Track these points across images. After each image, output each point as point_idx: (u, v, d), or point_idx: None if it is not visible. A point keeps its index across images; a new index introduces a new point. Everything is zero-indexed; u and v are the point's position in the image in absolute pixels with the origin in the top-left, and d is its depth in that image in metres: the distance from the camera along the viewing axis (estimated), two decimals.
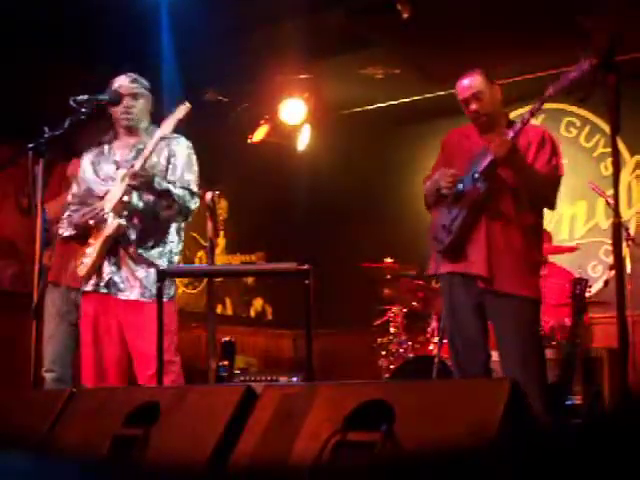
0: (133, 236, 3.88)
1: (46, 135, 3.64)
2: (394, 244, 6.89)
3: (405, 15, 5.51)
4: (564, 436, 1.72)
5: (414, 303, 5.96)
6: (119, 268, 3.87)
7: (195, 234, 7.08)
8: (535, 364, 3.80)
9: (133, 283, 3.85)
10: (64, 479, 2.09)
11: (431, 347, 5.63)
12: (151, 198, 3.88)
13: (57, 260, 4.73)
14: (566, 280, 5.55)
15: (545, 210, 4.06)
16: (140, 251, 3.87)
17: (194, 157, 4.04)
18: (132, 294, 3.85)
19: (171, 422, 2.29)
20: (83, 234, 3.94)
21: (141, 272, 3.86)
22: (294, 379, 5.72)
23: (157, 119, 3.99)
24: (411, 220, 6.74)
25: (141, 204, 3.90)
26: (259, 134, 7.37)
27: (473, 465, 1.71)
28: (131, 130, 4.02)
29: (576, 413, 4.99)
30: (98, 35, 5.44)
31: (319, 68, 6.69)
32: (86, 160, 4.09)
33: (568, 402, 5.06)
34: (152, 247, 3.90)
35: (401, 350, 5.86)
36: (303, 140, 7.41)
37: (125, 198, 3.82)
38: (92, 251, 3.86)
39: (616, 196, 3.13)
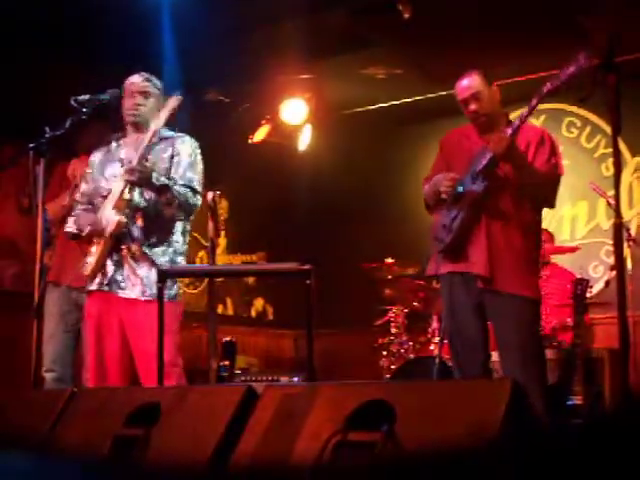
0: (136, 234, 3.88)
1: (47, 135, 3.64)
2: (395, 244, 6.88)
3: (406, 15, 5.51)
4: (565, 437, 1.72)
5: (415, 303, 5.95)
6: (121, 266, 3.87)
7: (196, 234, 7.08)
8: (535, 364, 3.80)
9: (134, 281, 3.85)
10: (65, 479, 2.09)
11: (432, 347, 5.63)
12: (153, 196, 3.88)
13: (57, 260, 4.74)
14: (567, 280, 5.56)
15: (546, 210, 4.06)
16: (143, 248, 3.86)
17: (199, 156, 4.04)
18: (132, 292, 3.85)
19: (172, 422, 2.29)
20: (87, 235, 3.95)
21: (142, 271, 3.85)
22: (295, 379, 5.72)
23: None
24: (412, 220, 6.73)
25: (143, 202, 3.89)
26: (260, 134, 7.37)
27: (474, 465, 1.71)
28: (138, 128, 4.01)
29: (577, 413, 4.99)
30: (98, 35, 5.43)
31: (320, 68, 6.68)
32: (94, 158, 4.10)
33: (569, 402, 5.06)
34: (155, 245, 3.89)
35: (402, 350, 5.86)
36: (304, 140, 7.40)
37: (127, 196, 3.82)
38: (95, 250, 3.87)
39: (617, 197, 3.13)
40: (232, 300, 7.85)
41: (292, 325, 7.52)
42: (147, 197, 3.90)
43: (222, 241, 7.65)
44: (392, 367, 5.76)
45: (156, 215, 3.90)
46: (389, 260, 6.09)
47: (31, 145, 3.61)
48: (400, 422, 1.91)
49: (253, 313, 8.08)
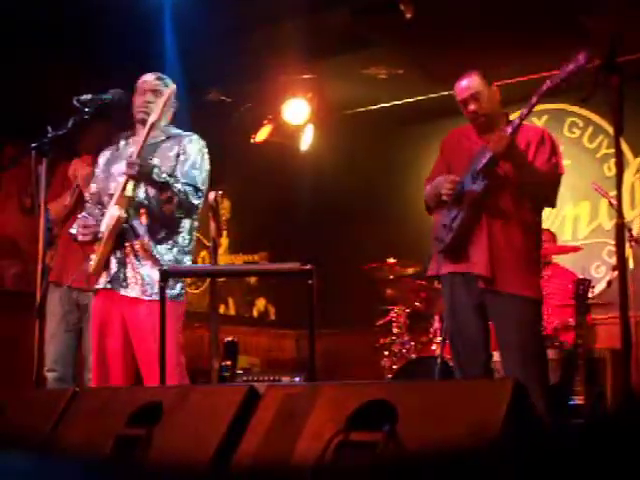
0: (140, 231, 3.87)
1: (49, 135, 3.64)
2: (397, 244, 6.88)
3: (408, 15, 5.50)
4: (566, 437, 1.72)
5: (417, 303, 5.95)
6: (123, 264, 3.85)
7: (198, 234, 7.08)
8: (536, 364, 3.80)
9: (136, 280, 3.85)
10: (67, 479, 2.09)
11: (434, 347, 5.63)
12: (156, 193, 3.86)
13: (59, 260, 4.74)
14: (569, 281, 5.56)
15: (548, 210, 4.06)
16: (147, 246, 3.84)
17: (206, 155, 4.01)
18: (133, 291, 3.84)
19: (174, 422, 2.29)
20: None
21: (145, 269, 3.84)
22: (297, 379, 5.72)
23: None
24: (414, 220, 6.72)
25: (146, 199, 3.88)
26: (262, 134, 7.37)
27: (476, 465, 1.71)
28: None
29: (578, 414, 4.99)
30: (98, 35, 5.42)
31: (322, 68, 6.68)
32: (103, 158, 4.09)
33: (570, 403, 5.06)
34: (160, 242, 3.88)
35: (404, 350, 5.86)
36: (306, 140, 7.40)
37: (129, 192, 3.80)
38: (99, 247, 3.86)
39: (619, 197, 3.13)
40: (234, 300, 7.85)
41: (294, 325, 7.52)
42: (150, 194, 3.89)
43: (224, 241, 7.65)
44: (394, 367, 5.76)
45: (160, 213, 3.89)
46: (391, 260, 6.09)
47: (33, 145, 3.60)
48: (402, 422, 1.90)
49: (255, 313, 8.08)
